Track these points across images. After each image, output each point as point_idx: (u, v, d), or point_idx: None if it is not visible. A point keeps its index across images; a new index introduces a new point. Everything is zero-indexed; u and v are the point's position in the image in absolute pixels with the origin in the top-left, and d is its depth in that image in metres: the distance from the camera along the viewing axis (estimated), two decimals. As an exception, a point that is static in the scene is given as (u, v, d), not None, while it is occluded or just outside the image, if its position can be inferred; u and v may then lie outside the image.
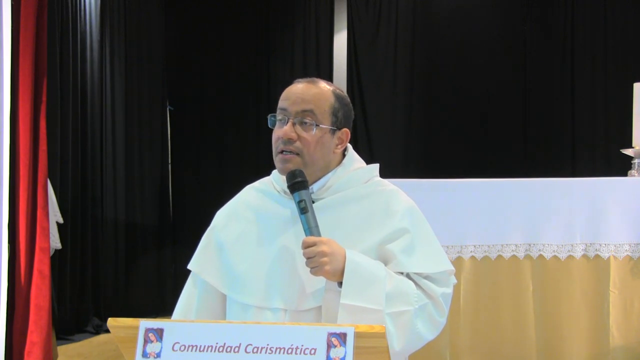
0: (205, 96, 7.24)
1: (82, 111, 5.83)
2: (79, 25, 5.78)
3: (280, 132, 1.68)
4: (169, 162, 7.28)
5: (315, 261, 1.54)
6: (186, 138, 7.31)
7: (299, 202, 1.61)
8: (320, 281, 1.61)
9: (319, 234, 1.59)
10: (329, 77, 6.62)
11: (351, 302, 1.54)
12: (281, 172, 1.71)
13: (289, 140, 1.67)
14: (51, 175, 4.50)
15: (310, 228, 1.59)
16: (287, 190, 1.72)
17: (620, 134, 5.26)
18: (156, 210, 6.96)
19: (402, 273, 1.65)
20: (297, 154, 1.67)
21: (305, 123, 1.68)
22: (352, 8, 7.03)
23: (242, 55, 7.18)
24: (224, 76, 7.16)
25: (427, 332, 1.63)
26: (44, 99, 3.98)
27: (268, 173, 1.89)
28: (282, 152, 1.69)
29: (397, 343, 1.57)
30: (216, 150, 7.22)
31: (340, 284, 1.57)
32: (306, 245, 1.55)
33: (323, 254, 1.54)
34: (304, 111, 1.68)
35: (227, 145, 7.18)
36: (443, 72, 6.87)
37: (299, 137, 1.67)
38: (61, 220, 4.98)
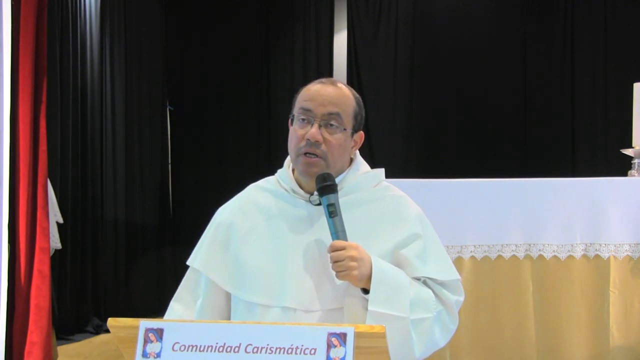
0: (205, 96, 7.24)
1: (82, 111, 5.83)
2: (79, 25, 5.78)
3: (308, 134, 1.66)
4: (169, 162, 7.28)
5: (344, 265, 1.54)
6: (186, 138, 7.31)
7: (328, 206, 1.61)
8: (336, 283, 1.61)
9: (346, 239, 1.59)
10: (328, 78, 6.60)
11: (379, 309, 1.54)
12: (304, 174, 1.70)
13: (315, 143, 1.66)
14: (51, 175, 4.50)
15: (338, 232, 1.59)
16: (297, 190, 1.73)
17: (620, 134, 5.26)
18: (156, 210, 6.96)
19: (418, 279, 1.66)
20: (322, 158, 1.67)
21: (332, 126, 1.67)
22: (352, 8, 7.03)
23: (242, 55, 7.18)
24: (224, 76, 7.16)
25: (441, 338, 1.65)
26: (44, 99, 3.98)
27: (268, 172, 1.88)
28: (305, 154, 1.67)
29: (418, 349, 1.58)
30: (216, 150, 7.22)
31: (364, 290, 1.58)
32: (334, 249, 1.56)
33: (352, 259, 1.54)
34: (330, 114, 1.67)
35: (227, 145, 7.18)
36: (443, 72, 6.87)
37: (325, 140, 1.67)
38: (61, 220, 4.98)
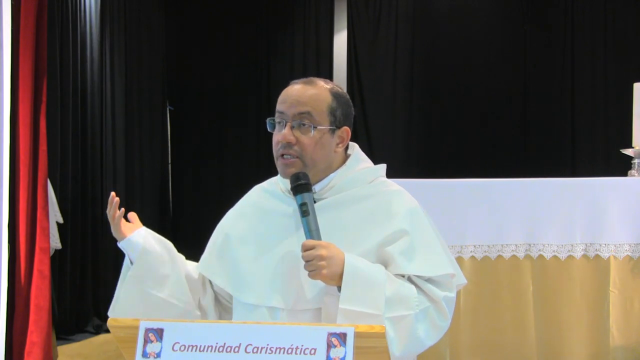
0: (205, 96, 7.24)
1: (82, 111, 5.83)
2: (79, 25, 5.77)
3: (279, 136, 1.68)
4: (169, 162, 7.28)
5: (313, 265, 1.54)
6: (186, 138, 7.31)
7: (300, 205, 1.61)
8: (319, 283, 1.60)
9: (319, 238, 1.58)
10: (329, 77, 6.58)
11: (350, 307, 1.53)
12: (283, 175, 1.72)
13: (288, 144, 1.67)
14: (51, 175, 4.50)
15: (311, 231, 1.59)
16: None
17: (620, 134, 5.26)
18: (156, 210, 6.96)
19: (403, 276, 1.64)
20: (298, 157, 1.67)
21: (303, 125, 1.67)
22: (352, 8, 7.03)
23: (242, 55, 7.18)
24: (223, 76, 7.16)
25: (427, 336, 1.61)
26: (44, 99, 3.98)
27: (268, 172, 1.89)
28: (282, 155, 1.68)
29: (397, 348, 1.55)
30: (216, 150, 7.22)
31: (339, 288, 1.57)
32: (305, 249, 1.55)
33: (321, 258, 1.53)
34: (300, 113, 1.67)
35: (227, 145, 7.18)
36: (443, 72, 6.87)
37: (298, 141, 1.67)
38: (61, 220, 4.98)
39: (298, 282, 1.64)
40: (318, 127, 1.67)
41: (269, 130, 1.74)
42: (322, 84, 1.73)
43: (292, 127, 1.67)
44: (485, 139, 6.76)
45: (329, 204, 1.70)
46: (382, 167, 1.82)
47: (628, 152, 3.68)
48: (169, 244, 1.80)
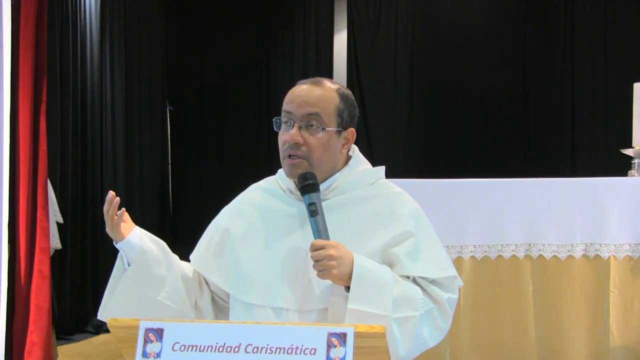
0: (205, 96, 7.24)
1: (82, 111, 5.82)
2: (79, 25, 5.77)
3: (287, 136, 1.68)
4: (169, 162, 7.28)
5: (323, 264, 1.54)
6: (186, 138, 7.31)
7: (309, 205, 1.61)
8: (325, 282, 1.61)
9: (327, 237, 1.59)
10: (329, 77, 6.57)
11: (358, 307, 1.54)
12: (289, 176, 1.72)
13: (295, 145, 1.67)
14: (51, 175, 4.50)
15: (319, 231, 1.59)
16: (293, 190, 1.73)
17: (620, 134, 5.26)
18: (156, 210, 6.96)
19: (407, 277, 1.65)
20: (305, 158, 1.67)
21: (312, 126, 1.67)
22: (352, 8, 7.03)
23: (242, 55, 7.18)
24: (224, 76, 7.16)
25: (431, 337, 1.63)
26: (44, 99, 3.98)
27: (268, 172, 1.89)
28: (289, 156, 1.68)
29: (403, 349, 1.57)
30: (216, 150, 7.22)
31: (347, 288, 1.57)
32: (314, 248, 1.55)
33: (331, 258, 1.54)
34: (309, 114, 1.67)
35: (227, 145, 7.18)
36: (443, 72, 6.87)
37: (306, 142, 1.67)
38: (61, 220, 4.98)
39: (305, 282, 1.64)
40: (326, 129, 1.68)
41: (275, 129, 1.73)
42: (330, 85, 1.73)
43: (299, 128, 1.67)
44: (485, 139, 6.76)
45: (333, 204, 1.70)
46: (382, 169, 1.83)
47: (628, 152, 3.68)
48: (164, 244, 1.78)
